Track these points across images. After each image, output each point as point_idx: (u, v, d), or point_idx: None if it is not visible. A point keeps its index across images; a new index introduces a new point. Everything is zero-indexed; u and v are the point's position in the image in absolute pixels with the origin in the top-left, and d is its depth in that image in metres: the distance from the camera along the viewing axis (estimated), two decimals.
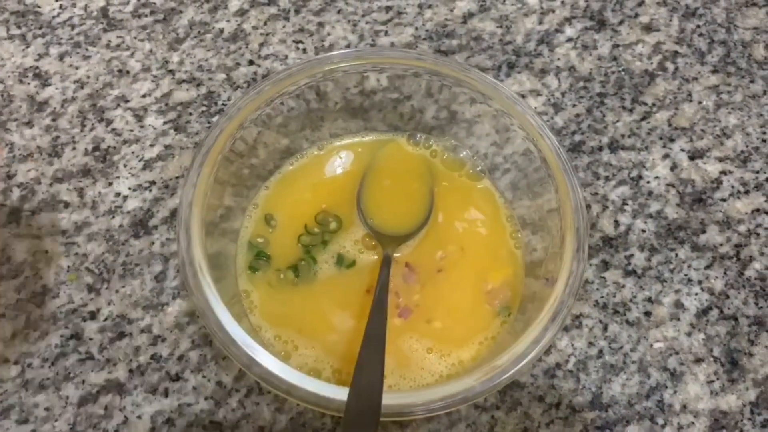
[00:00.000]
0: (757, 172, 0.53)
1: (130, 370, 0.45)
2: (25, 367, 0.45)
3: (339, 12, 0.60)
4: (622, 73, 0.57)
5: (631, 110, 0.55)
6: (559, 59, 0.58)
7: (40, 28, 0.59)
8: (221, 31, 0.59)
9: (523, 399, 0.44)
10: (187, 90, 0.55)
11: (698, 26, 0.60)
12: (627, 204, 0.51)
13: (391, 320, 0.43)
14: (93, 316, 0.46)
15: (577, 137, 0.54)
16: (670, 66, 0.58)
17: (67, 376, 0.44)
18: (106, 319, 0.46)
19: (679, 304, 0.48)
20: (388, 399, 0.36)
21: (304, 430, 0.43)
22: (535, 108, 0.55)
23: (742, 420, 0.44)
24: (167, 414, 0.43)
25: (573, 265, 0.40)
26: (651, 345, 0.46)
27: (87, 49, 0.58)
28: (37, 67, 0.57)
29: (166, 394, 0.44)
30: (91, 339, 0.45)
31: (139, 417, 0.43)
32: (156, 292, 0.47)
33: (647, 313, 0.47)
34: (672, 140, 0.54)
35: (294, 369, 0.37)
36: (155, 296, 0.47)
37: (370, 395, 0.36)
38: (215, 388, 0.44)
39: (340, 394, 0.36)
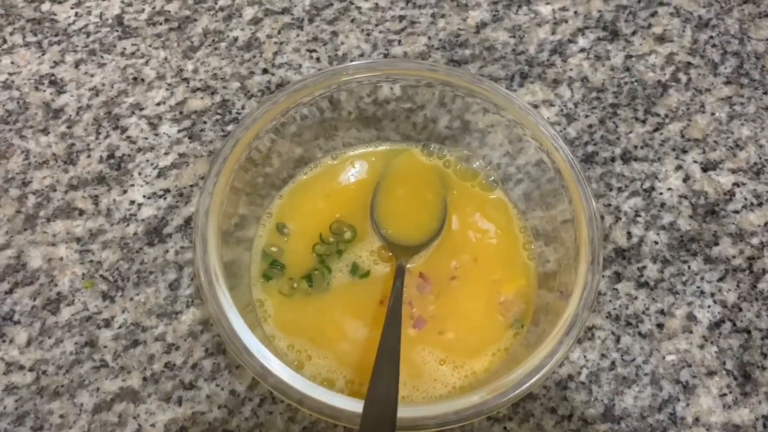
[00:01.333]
0: None
1: (144, 378, 0.45)
2: (40, 374, 0.45)
3: (352, 21, 0.60)
4: (635, 83, 0.57)
5: (643, 121, 0.55)
6: (571, 69, 0.58)
7: (56, 35, 0.60)
8: (235, 39, 0.59)
9: (535, 410, 0.44)
10: (202, 98, 0.56)
11: (711, 37, 0.60)
12: (640, 215, 0.51)
13: (404, 331, 0.44)
14: (107, 323, 0.47)
15: (590, 148, 0.54)
16: (683, 77, 0.58)
17: (82, 384, 0.45)
18: (120, 327, 0.46)
19: (691, 317, 0.48)
20: (402, 412, 0.36)
21: None
22: (548, 118, 0.55)
23: None
24: (181, 422, 0.43)
25: (588, 277, 0.40)
26: (663, 357, 0.46)
27: (102, 57, 0.58)
28: (53, 75, 0.57)
29: (179, 402, 0.44)
30: (105, 347, 0.46)
31: (152, 425, 0.43)
32: (170, 300, 0.47)
33: (660, 326, 0.47)
34: (685, 152, 0.54)
35: (307, 379, 0.37)
36: (169, 304, 0.47)
37: (386, 408, 0.36)
38: (228, 397, 0.44)
39: (352, 405, 0.36)
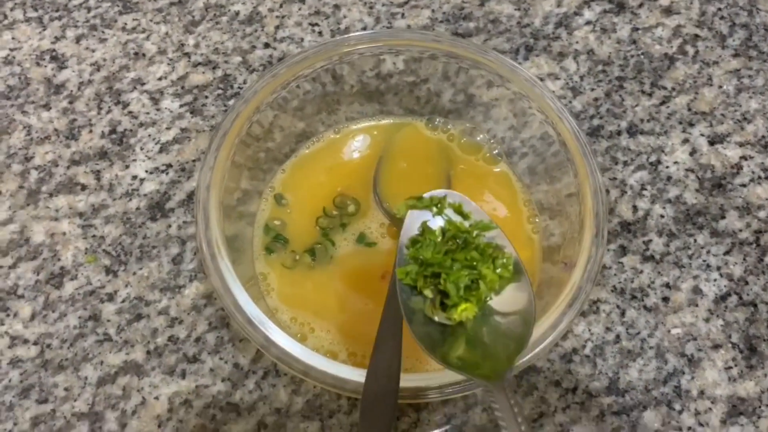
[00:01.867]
0: None
1: (148, 352, 0.45)
2: (44, 347, 0.45)
3: None
4: (642, 56, 0.56)
5: (650, 94, 0.55)
6: (577, 42, 0.57)
7: (57, 10, 0.59)
8: (237, 13, 0.59)
9: (539, 383, 0.44)
10: (203, 73, 0.55)
11: (719, 9, 0.59)
12: (645, 189, 0.51)
13: None
14: (111, 297, 0.47)
15: (596, 121, 0.53)
16: (690, 50, 0.57)
17: (86, 357, 0.45)
18: (123, 301, 0.46)
19: (697, 290, 0.47)
20: (403, 382, 0.36)
21: (320, 411, 0.43)
22: (554, 92, 0.54)
23: (760, 406, 0.44)
24: (184, 395, 0.44)
25: (592, 250, 0.40)
26: (669, 331, 0.46)
27: (103, 32, 0.58)
28: (54, 50, 0.57)
29: (183, 375, 0.44)
30: (108, 321, 0.46)
31: (156, 398, 0.43)
32: (173, 275, 0.47)
33: (665, 299, 0.47)
34: (691, 125, 0.53)
35: (311, 350, 0.37)
36: (172, 278, 0.47)
37: (388, 378, 0.36)
38: (232, 370, 0.44)
39: (356, 375, 0.36)
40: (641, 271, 0.48)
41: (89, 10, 0.59)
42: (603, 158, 0.52)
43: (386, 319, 0.39)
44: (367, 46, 0.46)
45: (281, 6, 0.59)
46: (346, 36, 0.46)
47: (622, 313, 0.46)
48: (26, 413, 0.43)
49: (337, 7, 0.59)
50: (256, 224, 0.47)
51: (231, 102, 0.54)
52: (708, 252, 0.49)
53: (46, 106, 0.54)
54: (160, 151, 0.52)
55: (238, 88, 0.55)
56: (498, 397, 0.31)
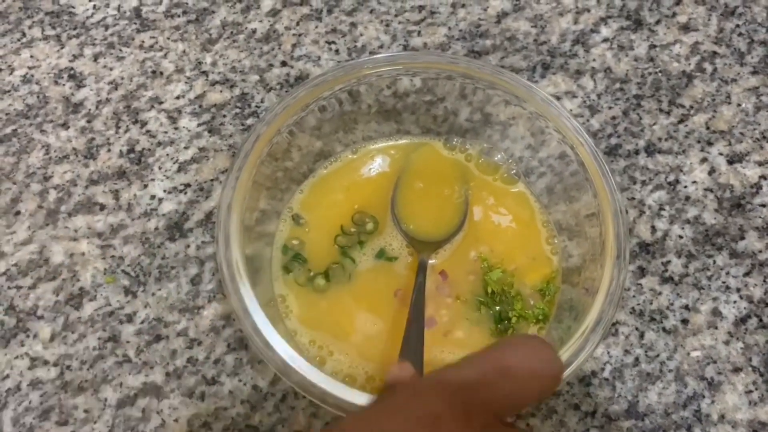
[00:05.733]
0: None
1: (167, 374, 0.45)
2: (64, 369, 0.45)
3: (371, 12, 0.59)
4: (659, 74, 0.56)
5: (668, 113, 0.54)
6: (594, 60, 0.57)
7: (75, 28, 0.59)
8: (254, 31, 0.59)
9: (558, 407, 0.44)
10: (221, 92, 0.56)
11: (738, 26, 0.59)
12: (664, 209, 0.50)
13: None
14: (130, 318, 0.47)
15: (613, 140, 0.53)
16: (709, 67, 0.57)
17: (105, 379, 0.45)
18: (142, 322, 0.47)
19: (716, 312, 0.47)
20: None
21: None
22: (570, 110, 0.54)
23: None
24: (204, 417, 0.44)
25: (614, 272, 0.40)
26: (688, 353, 0.46)
27: (121, 50, 0.58)
28: (72, 68, 0.57)
29: (202, 397, 0.44)
30: (128, 342, 0.46)
31: (176, 420, 0.44)
32: (192, 295, 0.47)
33: (684, 321, 0.47)
34: (710, 144, 0.53)
35: (329, 376, 0.37)
36: (191, 299, 0.47)
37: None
38: (251, 392, 0.44)
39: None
40: (660, 293, 0.48)
41: (107, 28, 0.59)
42: (621, 177, 0.52)
43: (406, 345, 0.39)
44: (385, 68, 0.46)
45: (298, 24, 0.59)
46: (364, 59, 0.46)
47: (641, 336, 0.46)
48: None
49: (353, 25, 0.59)
50: (274, 245, 0.47)
51: (249, 121, 0.54)
52: (727, 273, 0.48)
53: (65, 125, 0.54)
54: (179, 170, 0.52)
55: (256, 106, 0.55)
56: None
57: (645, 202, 0.51)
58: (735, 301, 0.47)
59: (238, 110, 0.55)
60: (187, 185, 0.51)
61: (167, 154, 0.53)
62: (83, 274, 0.48)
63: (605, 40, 0.58)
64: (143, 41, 0.59)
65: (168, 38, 0.59)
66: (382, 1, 0.60)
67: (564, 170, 0.46)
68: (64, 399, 0.44)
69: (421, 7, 0.60)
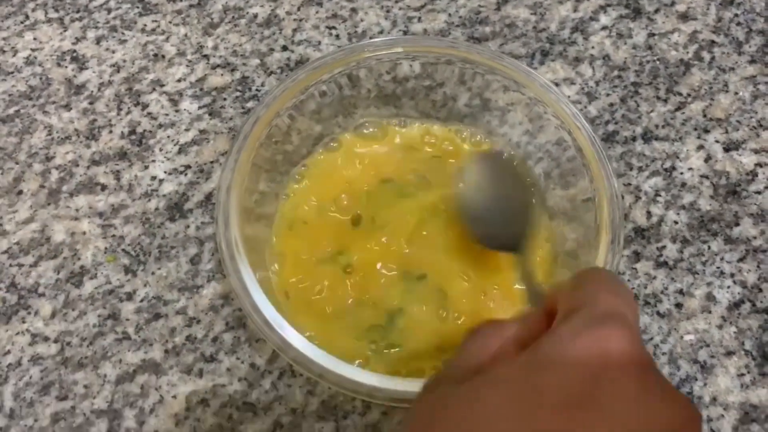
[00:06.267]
0: None
1: (166, 351, 0.45)
2: (64, 345, 0.46)
3: None
4: (657, 62, 0.57)
5: (665, 100, 0.55)
6: (593, 47, 0.57)
7: (78, 11, 0.60)
8: (255, 16, 0.59)
9: None
10: (222, 75, 0.56)
11: (736, 15, 0.59)
12: (660, 195, 0.51)
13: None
14: (130, 297, 0.47)
15: (611, 127, 0.54)
16: (707, 56, 0.57)
17: (105, 355, 0.45)
18: (142, 301, 0.47)
19: (710, 297, 0.47)
20: (408, 386, 0.36)
21: (335, 412, 0.44)
22: (569, 97, 0.54)
23: None
24: (201, 394, 0.44)
25: (608, 256, 0.40)
26: (682, 337, 0.46)
27: (123, 33, 0.59)
28: (75, 51, 0.58)
29: (200, 374, 0.45)
30: (127, 319, 0.47)
31: (174, 396, 0.44)
32: (191, 275, 0.48)
33: (678, 305, 0.47)
34: (707, 131, 0.53)
35: (326, 353, 0.38)
36: (190, 278, 0.48)
37: None
38: (249, 370, 0.45)
39: (371, 379, 0.37)
40: (655, 277, 0.48)
41: (109, 11, 0.60)
42: (618, 164, 0.52)
43: None
44: (385, 52, 0.46)
45: (299, 9, 0.59)
46: (364, 42, 0.47)
47: None
48: (46, 410, 0.44)
49: (354, 10, 0.59)
50: (273, 226, 0.47)
51: (249, 104, 0.55)
52: (722, 259, 0.49)
53: (67, 107, 0.55)
54: (179, 152, 0.53)
55: (256, 90, 0.55)
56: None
57: (641, 188, 0.51)
58: (729, 286, 0.48)
59: (238, 94, 0.55)
60: (188, 167, 0.52)
61: (168, 136, 0.53)
62: (84, 253, 0.49)
63: (604, 27, 0.58)
64: (145, 25, 0.59)
65: (170, 22, 0.59)
66: None
67: (561, 155, 0.46)
68: (64, 374, 0.45)
69: None
